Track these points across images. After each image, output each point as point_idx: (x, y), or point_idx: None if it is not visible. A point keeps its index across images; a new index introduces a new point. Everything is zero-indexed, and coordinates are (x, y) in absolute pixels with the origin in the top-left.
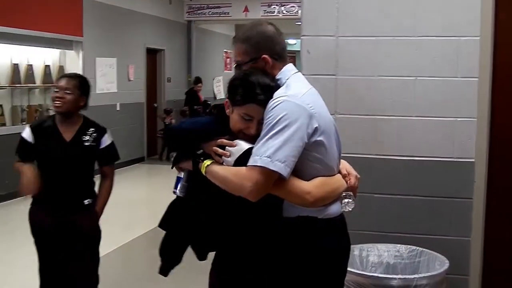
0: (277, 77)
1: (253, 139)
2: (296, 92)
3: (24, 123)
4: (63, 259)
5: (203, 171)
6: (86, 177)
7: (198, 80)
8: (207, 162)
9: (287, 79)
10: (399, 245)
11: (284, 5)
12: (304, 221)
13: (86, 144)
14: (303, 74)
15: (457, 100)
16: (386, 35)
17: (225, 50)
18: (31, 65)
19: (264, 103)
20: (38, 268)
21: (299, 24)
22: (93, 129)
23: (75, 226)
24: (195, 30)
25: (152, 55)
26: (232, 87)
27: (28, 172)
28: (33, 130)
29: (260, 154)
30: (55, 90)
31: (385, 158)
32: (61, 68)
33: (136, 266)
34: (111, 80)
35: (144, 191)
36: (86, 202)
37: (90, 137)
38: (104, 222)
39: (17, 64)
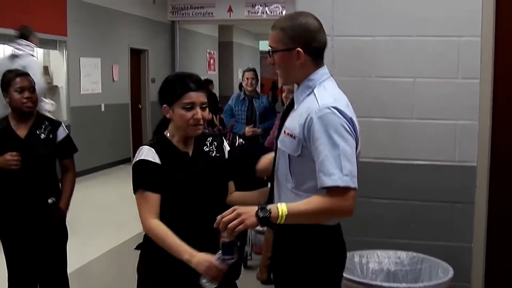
0: (311, 77)
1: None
2: (341, 103)
3: None
4: (30, 258)
5: (281, 220)
6: (47, 174)
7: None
8: (283, 207)
9: (321, 82)
10: (399, 251)
11: (268, 5)
12: (301, 228)
13: (42, 137)
14: None
15: (458, 102)
16: (383, 35)
17: (208, 50)
18: None
19: (197, 88)
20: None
21: None
22: (47, 122)
23: (40, 226)
24: (178, 31)
25: (136, 55)
26: (163, 91)
27: None
28: None
29: (337, 173)
30: (19, 90)
31: (384, 162)
32: (45, 68)
33: (126, 269)
34: (96, 80)
35: (129, 192)
36: (50, 201)
37: (45, 130)
38: (91, 225)
39: None
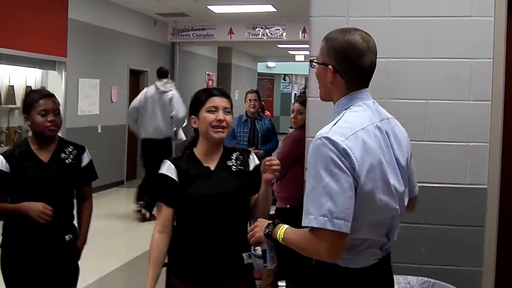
0: (340, 101)
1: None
2: (342, 132)
3: (2, 145)
4: None
5: (279, 239)
6: (67, 206)
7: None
8: (283, 230)
9: (347, 108)
10: (409, 276)
11: (269, 28)
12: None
13: (67, 162)
14: (309, 97)
15: (470, 124)
16: (397, 57)
17: (207, 72)
18: (12, 85)
19: (220, 95)
20: None
21: (281, 47)
22: (71, 147)
23: (54, 266)
24: (178, 52)
25: (135, 76)
26: (192, 102)
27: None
28: (7, 158)
29: (314, 213)
30: (43, 113)
31: None
32: (43, 88)
33: None
34: (94, 101)
35: (121, 217)
36: (67, 238)
37: (70, 155)
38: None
39: None
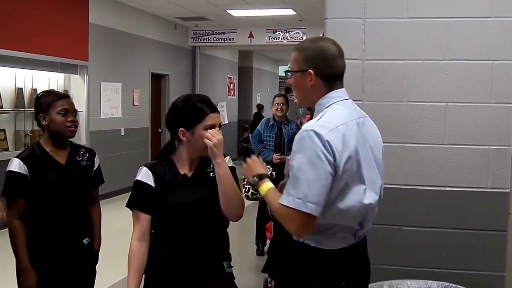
0: (320, 101)
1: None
2: (325, 126)
3: (28, 147)
4: None
5: (261, 193)
6: (82, 209)
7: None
8: (268, 187)
9: (329, 105)
10: (430, 281)
11: (289, 31)
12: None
13: (83, 164)
14: None
15: (491, 127)
16: (415, 59)
17: (228, 75)
18: (35, 89)
19: (215, 111)
20: None
21: None
22: (83, 150)
23: (75, 272)
24: (199, 56)
25: (157, 80)
26: (179, 115)
27: None
28: (24, 161)
29: (293, 194)
30: (63, 112)
31: (414, 188)
32: (65, 92)
33: None
34: (116, 105)
35: None
36: (85, 241)
37: (83, 157)
38: (105, 252)
39: (21, 88)
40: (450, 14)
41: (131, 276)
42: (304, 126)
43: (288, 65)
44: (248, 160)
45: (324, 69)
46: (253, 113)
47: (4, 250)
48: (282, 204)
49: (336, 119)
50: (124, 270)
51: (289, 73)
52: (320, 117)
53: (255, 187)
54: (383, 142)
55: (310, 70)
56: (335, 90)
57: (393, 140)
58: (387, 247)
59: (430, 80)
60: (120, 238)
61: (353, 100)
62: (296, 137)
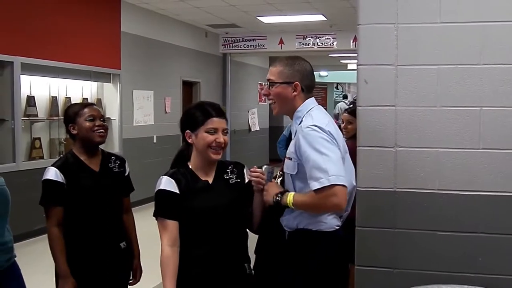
0: (299, 108)
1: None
2: (320, 122)
3: (62, 156)
4: None
5: (290, 204)
6: (118, 214)
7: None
8: (291, 197)
9: (309, 110)
10: (466, 286)
11: (319, 37)
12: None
13: (115, 171)
14: (359, 106)
15: None
16: (448, 64)
17: (259, 82)
18: (69, 97)
19: (219, 115)
20: None
21: (332, 57)
22: (114, 157)
23: (113, 276)
24: (230, 63)
25: (188, 87)
26: (187, 118)
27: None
28: (60, 169)
29: (324, 176)
30: (90, 118)
31: (449, 193)
32: (98, 100)
33: None
34: (148, 112)
35: None
36: (122, 245)
37: (115, 164)
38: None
39: (56, 97)
40: (486, 19)
41: (168, 281)
42: (302, 126)
43: (267, 77)
44: (265, 187)
45: (306, 82)
46: (284, 119)
47: (44, 256)
48: (316, 190)
49: (322, 118)
50: (158, 277)
51: (268, 84)
52: (311, 118)
53: (281, 204)
54: (418, 147)
55: (297, 82)
56: (309, 99)
57: (428, 145)
58: (423, 252)
59: (463, 85)
60: (154, 245)
61: (385, 105)
62: (300, 135)
